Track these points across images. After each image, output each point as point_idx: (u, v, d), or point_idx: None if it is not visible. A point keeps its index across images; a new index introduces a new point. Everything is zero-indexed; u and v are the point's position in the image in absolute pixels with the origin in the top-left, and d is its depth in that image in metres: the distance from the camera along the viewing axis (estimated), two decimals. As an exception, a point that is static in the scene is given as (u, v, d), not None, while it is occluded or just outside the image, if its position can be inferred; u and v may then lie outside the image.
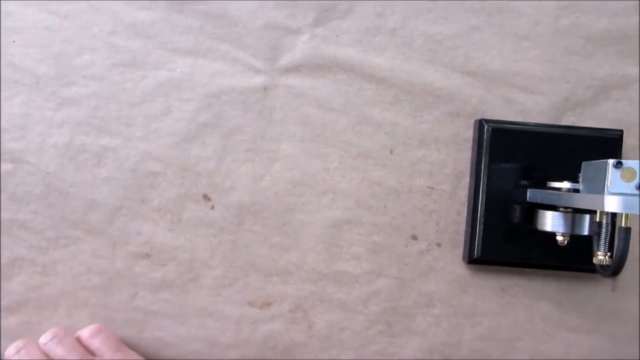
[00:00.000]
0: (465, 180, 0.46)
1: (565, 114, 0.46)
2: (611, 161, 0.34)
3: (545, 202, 0.40)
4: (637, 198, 0.33)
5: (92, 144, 0.46)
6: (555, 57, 0.45)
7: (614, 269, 0.35)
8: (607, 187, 0.34)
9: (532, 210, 0.43)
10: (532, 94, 0.46)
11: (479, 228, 0.44)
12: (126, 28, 0.44)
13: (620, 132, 0.44)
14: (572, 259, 0.44)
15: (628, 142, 0.45)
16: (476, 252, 0.44)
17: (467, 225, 0.46)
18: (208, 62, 0.45)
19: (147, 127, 0.46)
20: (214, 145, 0.46)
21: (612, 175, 0.34)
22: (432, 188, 0.46)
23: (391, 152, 0.46)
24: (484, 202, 0.44)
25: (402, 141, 0.46)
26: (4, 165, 0.45)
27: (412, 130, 0.46)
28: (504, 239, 0.44)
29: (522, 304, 0.46)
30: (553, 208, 0.41)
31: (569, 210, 0.40)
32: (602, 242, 0.37)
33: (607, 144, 0.43)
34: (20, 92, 0.45)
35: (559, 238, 0.41)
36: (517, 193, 0.43)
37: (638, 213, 0.33)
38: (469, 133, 0.46)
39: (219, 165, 0.46)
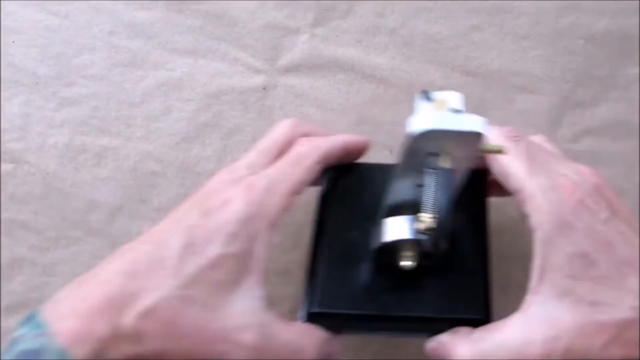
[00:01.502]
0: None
1: (566, 114, 0.46)
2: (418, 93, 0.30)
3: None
4: (450, 113, 0.29)
5: (92, 144, 0.46)
6: (556, 57, 0.45)
7: (438, 231, 0.29)
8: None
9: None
10: (532, 93, 0.46)
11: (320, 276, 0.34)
12: (126, 28, 0.44)
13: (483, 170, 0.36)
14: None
15: (628, 142, 0.45)
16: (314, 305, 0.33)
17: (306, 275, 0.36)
18: (208, 62, 0.45)
19: (147, 127, 0.46)
20: (214, 145, 0.46)
21: (422, 107, 0.30)
22: (432, 188, 0.46)
23: (391, 152, 0.46)
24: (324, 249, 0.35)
25: (402, 141, 0.46)
26: (4, 165, 0.45)
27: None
28: (349, 286, 0.33)
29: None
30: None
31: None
32: (427, 200, 0.30)
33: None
34: (20, 92, 0.45)
35: (404, 263, 0.32)
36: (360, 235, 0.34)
37: (451, 128, 0.28)
38: (469, 133, 0.46)
39: (219, 165, 0.46)
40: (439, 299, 0.33)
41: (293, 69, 0.46)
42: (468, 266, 0.35)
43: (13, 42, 0.44)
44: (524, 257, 0.47)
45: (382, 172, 0.35)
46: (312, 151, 0.33)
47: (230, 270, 0.29)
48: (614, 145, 0.46)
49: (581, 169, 0.33)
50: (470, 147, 0.29)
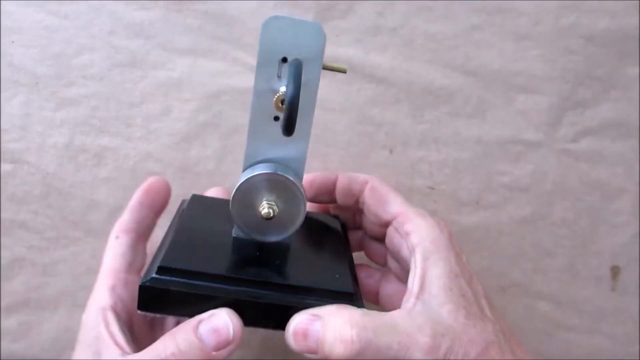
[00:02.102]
0: (466, 180, 0.46)
1: (566, 113, 0.46)
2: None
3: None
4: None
5: (92, 144, 0.45)
6: (556, 57, 0.45)
7: (287, 107, 0.28)
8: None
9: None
10: (532, 93, 0.46)
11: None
12: (125, 28, 0.44)
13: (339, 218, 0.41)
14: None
15: (628, 142, 0.45)
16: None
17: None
18: (208, 62, 0.45)
19: (146, 127, 0.46)
20: (214, 145, 0.46)
21: None
22: (432, 188, 0.46)
23: (391, 152, 0.46)
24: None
25: (402, 141, 0.46)
26: (4, 165, 0.45)
27: (412, 130, 0.46)
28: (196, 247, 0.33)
29: (522, 304, 0.46)
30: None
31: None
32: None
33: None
34: (20, 92, 0.45)
35: (265, 210, 0.32)
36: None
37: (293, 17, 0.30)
38: (469, 133, 0.46)
39: (219, 165, 0.46)
40: (307, 273, 0.32)
41: (293, 68, 0.45)
42: (333, 255, 0.35)
43: (13, 42, 0.44)
44: (522, 257, 0.47)
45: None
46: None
47: None
48: (614, 145, 0.46)
49: (438, 220, 0.36)
50: (314, 47, 0.31)
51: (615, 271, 0.48)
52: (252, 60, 0.45)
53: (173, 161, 0.46)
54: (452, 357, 0.28)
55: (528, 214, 0.47)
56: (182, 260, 0.31)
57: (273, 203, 0.32)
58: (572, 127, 0.46)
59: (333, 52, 0.45)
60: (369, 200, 0.37)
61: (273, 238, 0.33)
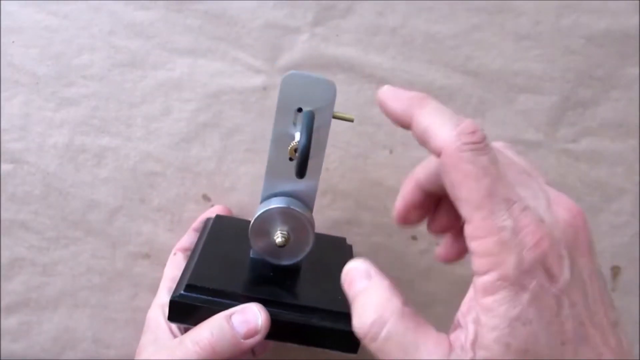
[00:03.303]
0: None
1: (566, 113, 0.46)
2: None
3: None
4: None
5: (92, 144, 0.45)
6: (556, 57, 0.45)
7: (300, 156, 0.32)
8: None
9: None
10: (532, 93, 0.46)
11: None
12: (125, 28, 0.44)
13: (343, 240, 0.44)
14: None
15: (628, 142, 0.45)
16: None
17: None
18: (208, 62, 0.45)
19: (146, 127, 0.46)
20: (214, 145, 0.46)
21: None
22: (432, 188, 0.46)
23: (391, 152, 0.46)
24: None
25: (402, 141, 0.46)
26: (4, 166, 0.45)
27: (412, 130, 0.46)
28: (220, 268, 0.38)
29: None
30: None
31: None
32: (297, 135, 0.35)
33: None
34: (20, 92, 0.45)
35: (279, 239, 0.36)
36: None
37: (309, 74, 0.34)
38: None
39: (219, 165, 0.46)
40: (313, 293, 0.36)
41: (293, 68, 0.45)
42: (339, 277, 0.36)
43: (13, 42, 0.44)
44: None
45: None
46: None
47: None
48: (614, 145, 0.46)
49: (561, 201, 0.25)
50: (326, 99, 0.35)
51: (615, 271, 0.48)
52: (252, 60, 0.45)
53: (173, 161, 0.46)
54: None
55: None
56: (207, 279, 0.35)
57: (286, 233, 0.36)
58: (572, 127, 0.46)
59: (333, 52, 0.45)
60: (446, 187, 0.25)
61: (285, 262, 0.38)
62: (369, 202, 0.46)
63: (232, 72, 0.45)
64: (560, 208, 0.25)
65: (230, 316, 0.34)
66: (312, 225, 0.37)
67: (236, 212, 0.47)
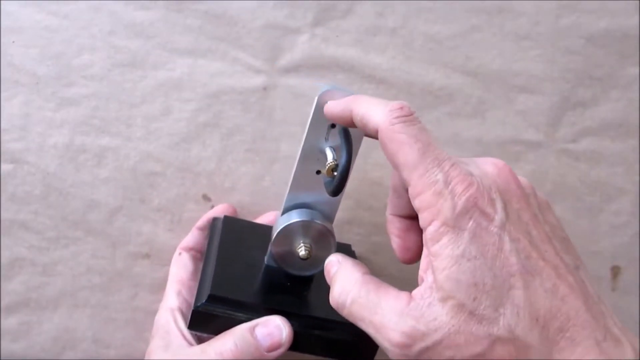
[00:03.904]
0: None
1: (566, 114, 0.46)
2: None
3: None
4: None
5: (92, 144, 0.45)
6: (556, 57, 0.45)
7: (340, 176, 0.32)
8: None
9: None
10: (532, 93, 0.46)
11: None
12: (125, 28, 0.44)
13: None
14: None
15: (628, 142, 0.45)
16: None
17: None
18: (208, 62, 0.45)
19: (147, 127, 0.46)
20: (214, 145, 0.46)
21: None
22: (432, 188, 0.46)
23: (391, 152, 0.46)
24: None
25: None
26: (4, 166, 0.45)
27: (412, 130, 0.46)
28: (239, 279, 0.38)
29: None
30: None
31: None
32: (333, 152, 0.34)
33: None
34: (20, 92, 0.45)
35: (302, 252, 0.37)
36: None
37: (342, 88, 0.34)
38: (469, 133, 0.46)
39: (219, 165, 0.46)
40: (326, 304, 0.34)
41: (293, 69, 0.46)
42: None
43: (13, 42, 0.44)
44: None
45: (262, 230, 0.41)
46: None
47: None
48: (614, 145, 0.46)
49: (487, 161, 0.29)
50: None
51: (615, 271, 0.48)
52: (252, 61, 0.45)
53: (173, 161, 0.46)
54: (432, 357, 0.26)
55: (528, 214, 0.47)
56: (228, 288, 0.36)
57: (309, 245, 0.37)
58: (572, 127, 0.46)
59: (333, 52, 0.45)
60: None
61: (306, 273, 0.38)
62: (369, 202, 0.46)
63: (232, 72, 0.45)
64: (486, 165, 0.28)
65: (253, 328, 0.34)
66: (334, 237, 0.37)
67: (237, 212, 0.47)
